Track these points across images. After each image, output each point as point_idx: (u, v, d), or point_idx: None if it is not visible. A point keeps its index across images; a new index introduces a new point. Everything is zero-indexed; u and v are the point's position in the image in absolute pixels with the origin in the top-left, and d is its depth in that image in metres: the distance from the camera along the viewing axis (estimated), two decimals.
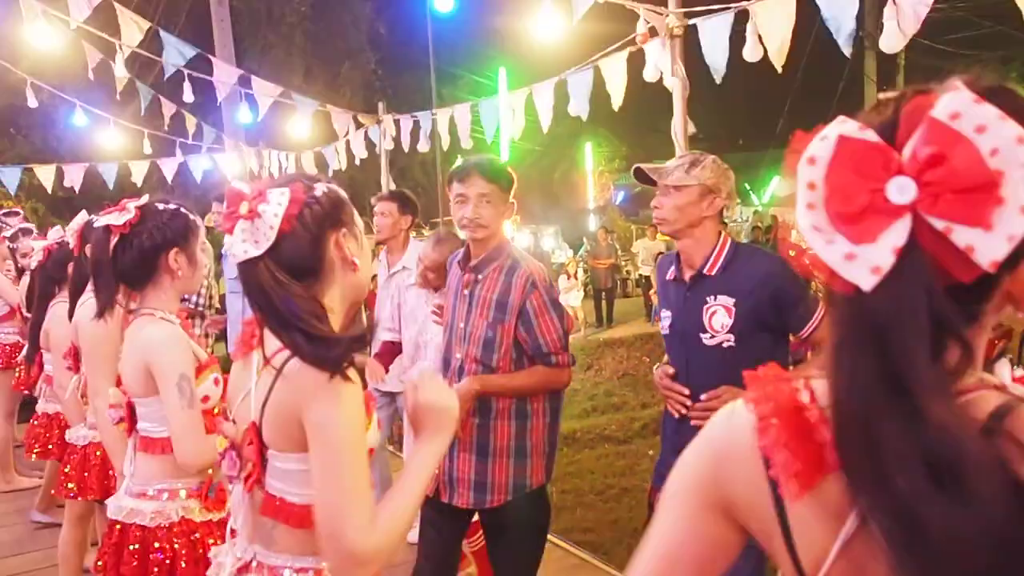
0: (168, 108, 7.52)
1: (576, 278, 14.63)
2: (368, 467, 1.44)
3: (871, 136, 0.66)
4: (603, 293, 15.53)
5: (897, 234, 0.63)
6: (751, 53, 3.41)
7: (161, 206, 2.30)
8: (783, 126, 15.57)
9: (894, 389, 0.67)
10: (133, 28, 5.68)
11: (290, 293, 1.44)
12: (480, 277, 2.69)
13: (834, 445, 0.76)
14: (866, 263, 0.64)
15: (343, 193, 1.58)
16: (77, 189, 8.38)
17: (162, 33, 5.91)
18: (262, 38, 16.01)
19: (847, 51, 3.06)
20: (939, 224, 0.62)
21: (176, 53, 6.05)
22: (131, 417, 2.28)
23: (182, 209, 2.33)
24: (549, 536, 4.54)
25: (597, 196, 25.53)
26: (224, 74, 6.54)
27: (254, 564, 1.57)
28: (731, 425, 0.90)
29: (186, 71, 6.34)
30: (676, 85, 3.83)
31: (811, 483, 0.79)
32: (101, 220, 2.25)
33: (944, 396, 0.67)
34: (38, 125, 11.42)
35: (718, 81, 3.74)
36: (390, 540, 1.42)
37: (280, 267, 1.45)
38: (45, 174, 8.20)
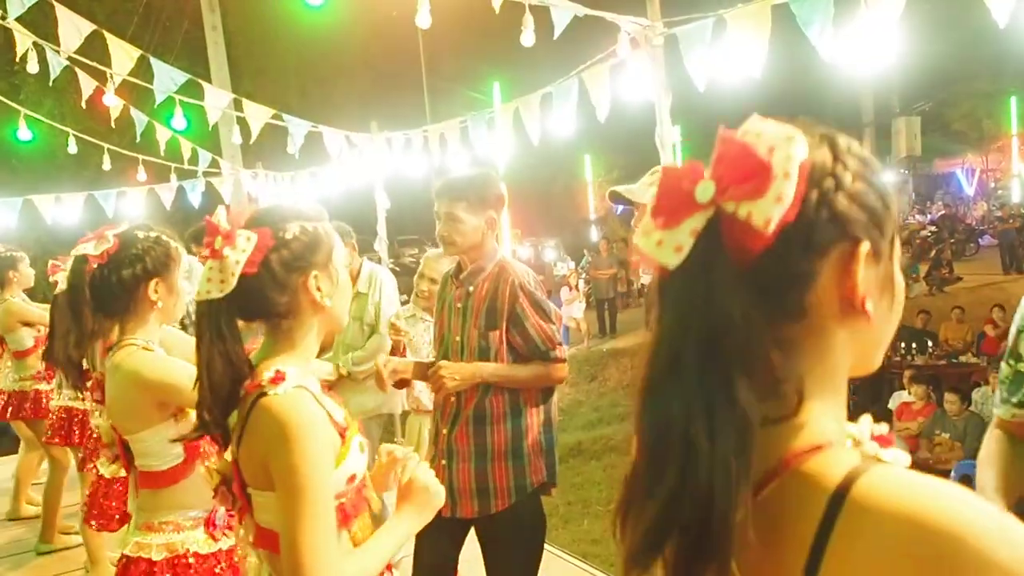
0: (163, 134, 7.57)
1: (578, 289, 14.64)
2: (331, 509, 1.45)
3: (689, 161, 0.80)
4: (606, 303, 15.54)
5: (697, 221, 0.76)
6: (729, 61, 3.43)
7: (141, 234, 2.24)
8: None
9: (675, 357, 0.77)
10: (123, 56, 5.72)
11: (225, 348, 1.45)
12: (471, 289, 2.75)
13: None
14: (671, 244, 0.76)
15: (322, 230, 1.56)
16: (76, 219, 8.42)
17: (152, 60, 5.94)
18: (256, 60, 16.13)
19: (825, 55, 3.08)
20: (729, 207, 0.75)
21: (167, 79, 6.08)
22: (125, 454, 2.25)
23: (163, 237, 2.27)
24: (556, 548, 4.55)
25: (597, 207, 25.56)
26: (215, 99, 6.58)
27: None
28: None
29: (177, 97, 6.38)
30: (658, 94, 3.85)
31: None
32: (79, 249, 2.23)
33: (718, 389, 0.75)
34: (38, 156, 11.51)
35: (701, 89, 3.76)
36: None
37: (239, 311, 1.47)
38: (44, 205, 8.23)
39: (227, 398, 1.48)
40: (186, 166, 8.56)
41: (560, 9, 3.93)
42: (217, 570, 2.20)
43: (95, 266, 2.18)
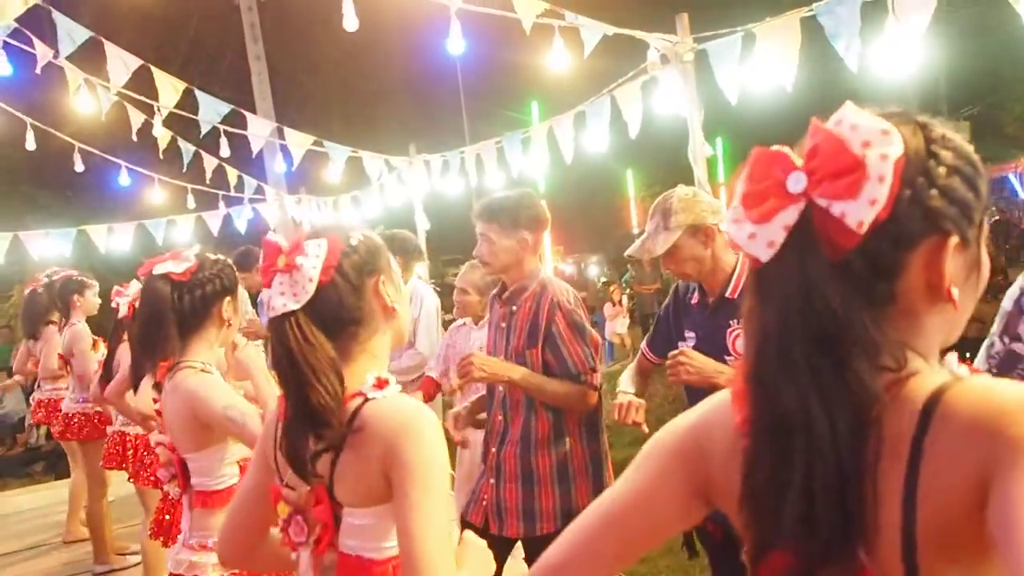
0: (210, 162, 7.77)
1: (621, 305, 14.55)
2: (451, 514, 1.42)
3: (778, 148, 0.81)
4: (650, 318, 15.39)
5: (789, 215, 0.77)
6: (761, 75, 3.43)
7: (211, 256, 2.35)
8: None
9: (784, 350, 0.79)
10: (169, 89, 5.90)
11: (316, 354, 1.40)
12: (514, 308, 2.80)
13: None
14: (763, 239, 0.78)
15: (379, 239, 1.57)
16: (128, 248, 8.66)
17: (197, 92, 6.12)
18: (299, 87, 16.48)
19: (853, 67, 3.06)
20: (822, 202, 0.76)
21: (212, 110, 6.26)
22: (183, 473, 2.29)
23: (228, 260, 2.39)
24: None
25: (640, 221, 25.44)
26: (258, 127, 6.75)
27: None
28: (717, 404, 0.97)
29: (221, 127, 6.55)
30: (690, 110, 3.86)
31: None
32: (159, 269, 2.25)
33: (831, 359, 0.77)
34: (90, 187, 11.88)
35: (733, 103, 3.77)
36: None
37: (317, 321, 1.42)
38: (97, 235, 8.50)
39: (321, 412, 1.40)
40: (232, 193, 8.77)
41: (589, 29, 3.96)
42: None
43: (179, 284, 2.24)
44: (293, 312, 1.40)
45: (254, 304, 5.80)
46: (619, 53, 4.40)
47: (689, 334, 2.65)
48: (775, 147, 0.83)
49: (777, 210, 0.78)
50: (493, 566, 1.53)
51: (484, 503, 2.82)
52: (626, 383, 2.76)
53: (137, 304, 2.29)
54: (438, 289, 6.49)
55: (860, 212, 0.75)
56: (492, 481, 2.79)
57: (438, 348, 4.21)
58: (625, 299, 14.73)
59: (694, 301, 2.67)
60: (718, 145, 4.54)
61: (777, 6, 3.42)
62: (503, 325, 2.83)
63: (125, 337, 4.28)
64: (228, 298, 2.31)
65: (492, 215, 2.75)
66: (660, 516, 0.99)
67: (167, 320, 2.24)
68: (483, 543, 1.55)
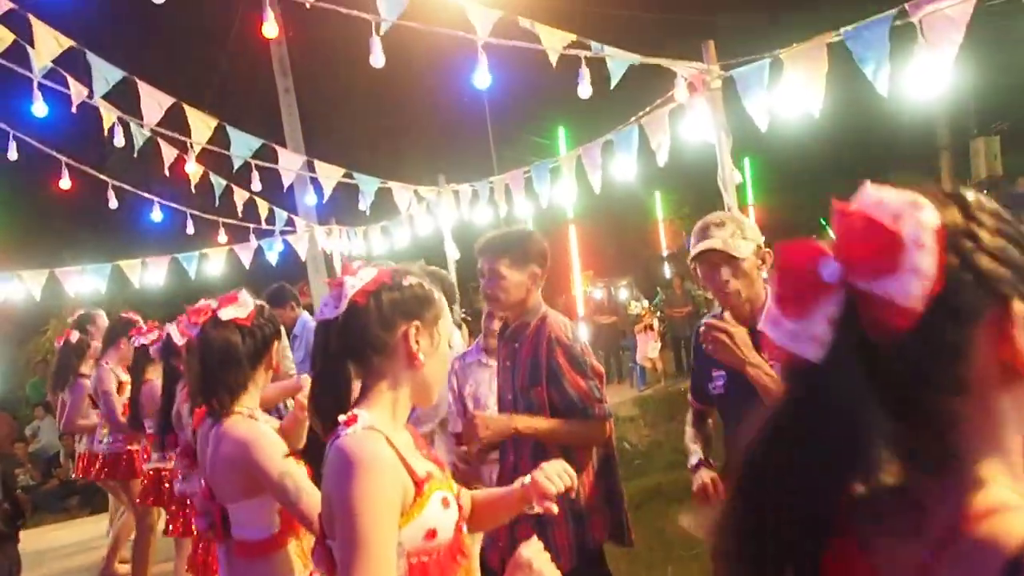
0: (240, 196, 7.86)
1: (653, 328, 14.47)
2: (392, 556, 1.39)
3: (804, 240, 0.77)
4: (682, 342, 15.28)
5: (832, 307, 0.73)
6: (789, 100, 3.40)
7: (260, 301, 2.42)
8: (833, 175, 15.24)
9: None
10: (201, 125, 5.99)
11: (331, 365, 1.54)
12: (517, 346, 2.75)
13: None
14: (807, 335, 0.73)
15: (436, 295, 1.63)
16: (162, 282, 8.77)
17: (228, 128, 6.20)
18: (327, 119, 16.71)
19: (883, 91, 3.02)
20: (863, 286, 0.72)
21: (243, 145, 6.34)
22: (222, 523, 2.28)
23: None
24: None
25: (669, 243, 25.31)
26: (288, 161, 6.82)
27: None
28: None
29: (252, 161, 6.63)
30: (718, 137, 3.83)
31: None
32: (224, 314, 2.29)
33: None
34: (123, 223, 12.08)
35: (763, 129, 3.74)
36: None
37: (342, 336, 1.54)
38: (131, 270, 8.62)
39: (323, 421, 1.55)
40: (264, 226, 8.85)
41: (616, 59, 3.96)
42: None
43: (243, 329, 2.29)
44: (330, 320, 1.54)
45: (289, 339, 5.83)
46: (646, 81, 4.39)
47: (717, 373, 2.57)
48: (800, 240, 0.79)
49: (815, 303, 0.73)
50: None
51: (500, 544, 2.76)
52: (692, 445, 2.72)
53: (199, 349, 2.30)
54: (468, 317, 6.48)
55: (907, 286, 0.70)
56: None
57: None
58: (656, 322, 14.61)
59: None
60: (746, 167, 4.49)
61: (804, 31, 3.39)
62: (508, 364, 2.79)
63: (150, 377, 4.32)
64: (277, 342, 2.38)
65: (503, 250, 2.70)
66: None
67: (242, 365, 2.28)
68: (531, 557, 1.54)
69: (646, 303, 16.39)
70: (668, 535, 7.39)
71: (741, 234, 2.44)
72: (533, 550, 1.55)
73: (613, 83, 4.00)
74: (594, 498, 2.70)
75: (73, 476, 6.71)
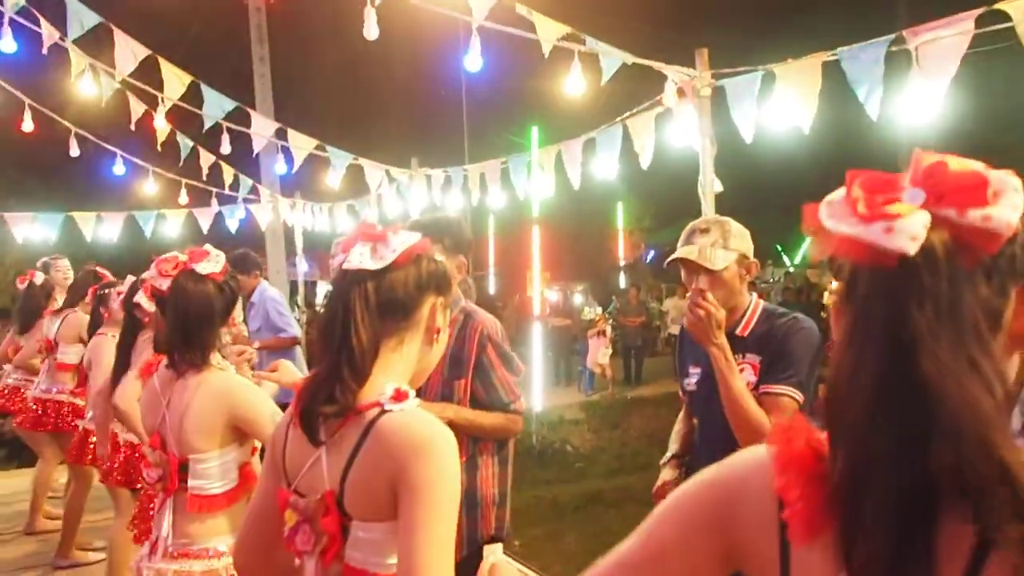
0: (206, 159, 7.69)
1: (605, 335, 14.56)
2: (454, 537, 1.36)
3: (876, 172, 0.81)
4: (632, 351, 15.41)
5: (925, 217, 0.75)
6: (778, 115, 3.43)
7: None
8: (815, 187, 15.42)
9: (905, 371, 0.75)
10: (175, 81, 5.85)
11: (368, 318, 1.42)
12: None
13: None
14: (906, 233, 0.74)
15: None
16: (116, 238, 8.56)
17: (203, 86, 6.06)
18: (300, 92, 16.48)
19: (874, 115, 3.07)
20: (950, 213, 0.76)
21: (216, 106, 6.20)
22: (178, 475, 2.22)
23: None
24: None
25: (627, 254, 25.54)
26: (261, 127, 6.69)
27: None
28: (751, 464, 0.93)
29: (224, 123, 6.50)
30: (703, 144, 3.85)
31: (818, 530, 0.81)
32: (201, 268, 2.26)
33: (980, 373, 0.75)
34: (80, 175, 11.77)
35: (748, 141, 3.76)
36: None
37: (378, 294, 1.43)
38: (85, 222, 8.39)
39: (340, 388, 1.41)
40: (227, 192, 8.68)
41: (609, 57, 3.96)
42: None
43: (219, 284, 2.29)
44: (365, 273, 1.43)
45: (244, 307, 5.73)
46: (634, 83, 4.40)
47: (694, 369, 2.62)
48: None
49: (911, 211, 0.76)
50: None
51: None
52: (672, 440, 2.78)
53: (176, 301, 2.25)
54: None
55: (1007, 215, 0.76)
56: None
57: None
58: (609, 329, 14.71)
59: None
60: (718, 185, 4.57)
61: (799, 48, 3.42)
62: None
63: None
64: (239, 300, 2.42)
65: (436, 235, 2.54)
66: (678, 573, 0.95)
67: (216, 320, 2.27)
68: (511, 569, 1.56)
69: (600, 309, 16.50)
70: (605, 540, 7.48)
71: (723, 243, 2.44)
72: (498, 555, 1.55)
73: (604, 80, 3.99)
74: (490, 493, 2.72)
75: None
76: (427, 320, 1.52)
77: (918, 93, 2.94)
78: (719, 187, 3.84)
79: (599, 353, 14.15)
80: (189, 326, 2.23)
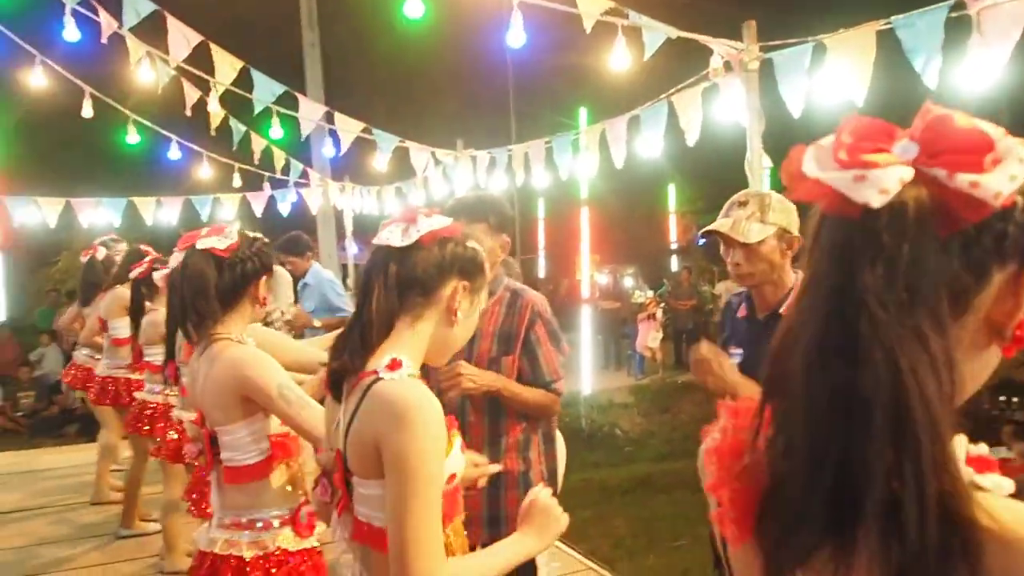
0: (258, 144, 7.82)
1: (655, 318, 14.44)
2: (440, 501, 1.43)
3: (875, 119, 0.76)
4: (684, 335, 15.27)
5: (905, 171, 0.70)
6: (829, 88, 3.35)
7: (250, 235, 2.40)
8: None
9: (869, 312, 0.69)
10: (226, 66, 5.94)
11: (378, 296, 1.53)
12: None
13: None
14: (875, 184, 0.69)
15: (486, 266, 1.68)
16: (175, 222, 8.78)
17: (253, 71, 6.15)
18: (350, 77, 16.60)
19: (932, 85, 2.96)
20: (939, 173, 0.70)
21: (266, 90, 6.29)
22: (211, 448, 2.28)
23: (265, 240, 2.43)
24: None
25: (679, 237, 25.23)
26: (309, 111, 6.76)
27: None
28: (701, 460, 0.89)
29: (273, 107, 6.59)
30: (751, 120, 3.78)
31: (749, 531, 0.77)
32: (202, 243, 2.30)
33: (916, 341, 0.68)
34: (140, 161, 12.07)
35: (796, 116, 3.67)
36: None
37: (399, 271, 1.54)
38: (145, 207, 8.63)
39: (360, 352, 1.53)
40: (278, 176, 8.82)
41: (653, 31, 3.90)
42: (303, 568, 2.23)
43: (220, 260, 2.29)
44: (391, 250, 1.55)
45: (296, 289, 5.84)
46: (679, 58, 4.33)
47: (735, 351, 2.57)
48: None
49: (888, 164, 0.70)
50: (557, 530, 1.63)
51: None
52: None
53: (178, 276, 2.30)
54: None
55: (998, 184, 0.68)
56: None
57: None
58: (660, 313, 14.59)
59: (741, 313, 2.60)
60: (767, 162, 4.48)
61: (851, 18, 3.32)
62: None
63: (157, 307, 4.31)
64: (264, 277, 2.36)
65: (480, 214, 2.58)
66: None
67: (210, 294, 2.28)
68: (550, 505, 1.61)
69: (650, 293, 16.35)
70: (652, 524, 7.43)
71: (759, 216, 2.40)
72: (544, 494, 1.62)
73: (647, 55, 3.93)
74: (540, 472, 2.73)
75: (64, 382, 6.78)
76: (447, 301, 1.59)
77: (979, 61, 2.82)
78: (768, 163, 3.77)
79: (649, 337, 14.06)
80: (185, 297, 2.28)
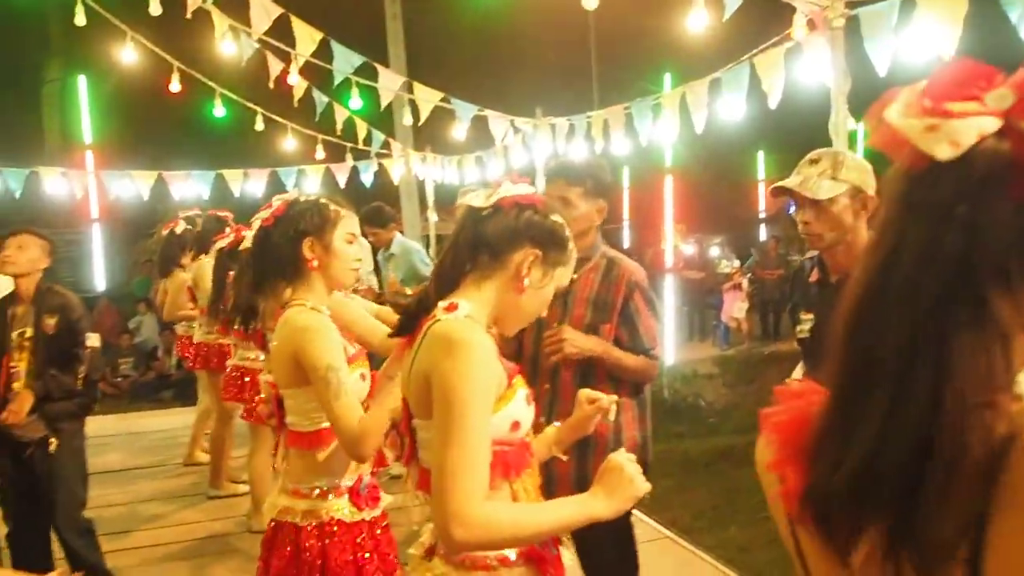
0: (340, 114, 7.93)
1: (741, 288, 14.14)
2: (488, 437, 1.42)
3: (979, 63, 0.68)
4: (770, 305, 14.90)
5: (988, 123, 0.63)
6: (917, 45, 3.17)
7: (303, 198, 2.33)
8: None
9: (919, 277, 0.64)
10: (307, 38, 6.03)
11: (451, 251, 1.61)
12: (575, 276, 2.61)
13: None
14: (947, 136, 0.63)
15: (572, 246, 1.68)
16: (260, 193, 9.02)
17: (332, 43, 6.22)
18: (431, 48, 16.64)
19: None
20: None
21: (345, 61, 6.36)
22: (280, 411, 2.29)
23: (323, 201, 2.32)
24: (701, 551, 4.42)
25: (767, 205, 24.55)
26: (388, 81, 6.81)
27: (438, 546, 1.59)
28: (761, 441, 0.86)
29: (353, 78, 6.66)
30: (836, 80, 3.61)
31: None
32: (257, 217, 2.37)
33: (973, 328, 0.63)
34: (224, 135, 12.41)
35: (882, 75, 3.50)
36: (489, 533, 1.37)
37: (473, 231, 1.60)
38: (233, 179, 8.90)
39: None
40: (360, 146, 8.94)
41: None
42: (359, 540, 2.19)
43: (266, 229, 2.30)
44: (473, 211, 1.62)
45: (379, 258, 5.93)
46: (759, 17, 4.17)
47: (806, 315, 2.50)
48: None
49: (974, 113, 0.64)
50: (632, 493, 1.54)
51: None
52: None
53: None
54: None
55: None
56: None
57: None
58: (746, 283, 14.27)
59: (813, 278, 2.51)
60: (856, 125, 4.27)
61: None
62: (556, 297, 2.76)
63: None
64: (311, 239, 2.25)
65: (578, 177, 2.60)
66: None
67: (264, 266, 2.33)
68: (624, 465, 1.55)
69: (737, 263, 15.99)
70: (735, 497, 7.32)
71: (831, 173, 2.29)
72: (624, 456, 1.58)
73: (727, 15, 3.80)
74: (632, 437, 2.70)
75: (175, 358, 7.14)
76: (516, 267, 1.59)
77: None
78: (853, 125, 3.60)
79: (735, 307, 13.79)
80: (251, 272, 2.42)
